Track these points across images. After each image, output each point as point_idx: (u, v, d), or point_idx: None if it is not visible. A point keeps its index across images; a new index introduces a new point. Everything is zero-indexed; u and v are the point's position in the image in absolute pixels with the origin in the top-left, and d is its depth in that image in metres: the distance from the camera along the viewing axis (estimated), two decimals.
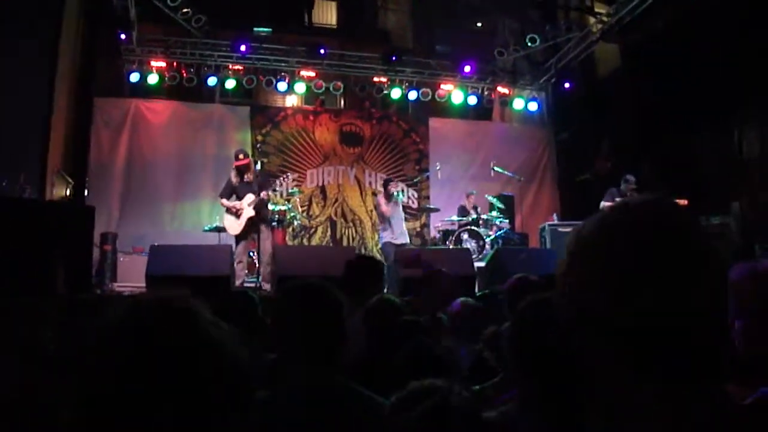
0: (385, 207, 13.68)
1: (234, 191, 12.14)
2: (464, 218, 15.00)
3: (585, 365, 1.37)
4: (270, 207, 12.95)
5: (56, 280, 6.60)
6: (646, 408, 1.28)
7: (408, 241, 14.17)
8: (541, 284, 4.96)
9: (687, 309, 1.25)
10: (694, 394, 1.26)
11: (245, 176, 12.07)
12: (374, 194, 16.77)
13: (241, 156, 12.28)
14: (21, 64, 10.44)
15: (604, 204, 13.25)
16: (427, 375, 2.03)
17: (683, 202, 11.87)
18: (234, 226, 12.02)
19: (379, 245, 14.57)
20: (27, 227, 7.71)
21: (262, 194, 12.00)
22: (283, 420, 2.56)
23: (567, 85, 17.40)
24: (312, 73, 16.90)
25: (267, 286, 11.20)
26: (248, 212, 11.90)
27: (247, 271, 12.80)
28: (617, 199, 12.87)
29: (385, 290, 14.06)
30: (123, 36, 14.96)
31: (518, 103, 18.30)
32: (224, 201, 12.07)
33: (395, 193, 13.86)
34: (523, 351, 2.42)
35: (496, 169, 16.12)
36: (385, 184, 14.11)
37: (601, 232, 1.35)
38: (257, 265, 12.27)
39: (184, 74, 16.15)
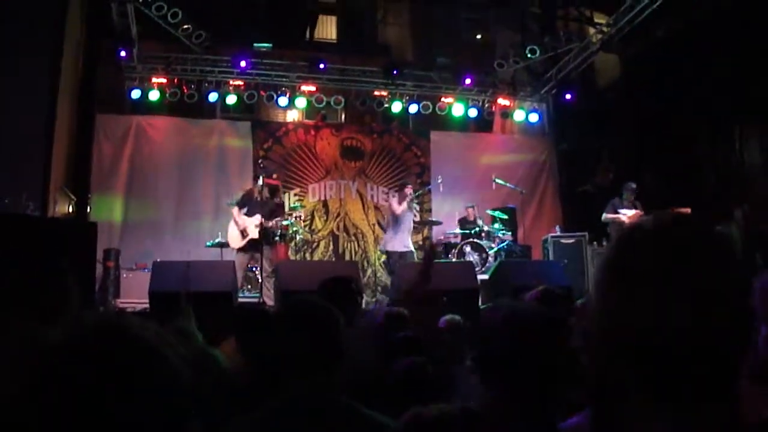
0: (397, 206, 13.74)
1: (245, 205, 12.22)
2: (466, 231, 15.01)
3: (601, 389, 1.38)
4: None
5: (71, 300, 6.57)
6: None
7: (412, 250, 14.14)
8: (564, 296, 4.96)
9: (713, 328, 1.24)
10: (711, 417, 1.25)
11: (274, 197, 12.24)
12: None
13: (275, 176, 12.42)
14: (23, 81, 10.48)
15: (606, 215, 13.30)
16: (422, 396, 2.03)
17: (686, 210, 11.90)
18: (236, 239, 12.11)
19: (379, 249, 14.59)
20: (30, 244, 7.70)
21: (273, 222, 12.11)
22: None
23: (568, 96, 17.40)
24: (313, 88, 16.90)
25: (270, 302, 11.21)
26: (253, 233, 11.99)
27: (249, 286, 12.83)
28: (619, 210, 13.00)
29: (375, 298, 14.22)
30: (123, 53, 14.96)
31: (519, 115, 18.29)
32: (236, 212, 12.18)
33: (410, 196, 13.88)
34: (489, 360, 2.42)
35: (497, 181, 16.14)
36: (401, 186, 14.19)
37: (626, 256, 1.35)
38: (259, 281, 12.28)
39: (185, 90, 16.13)
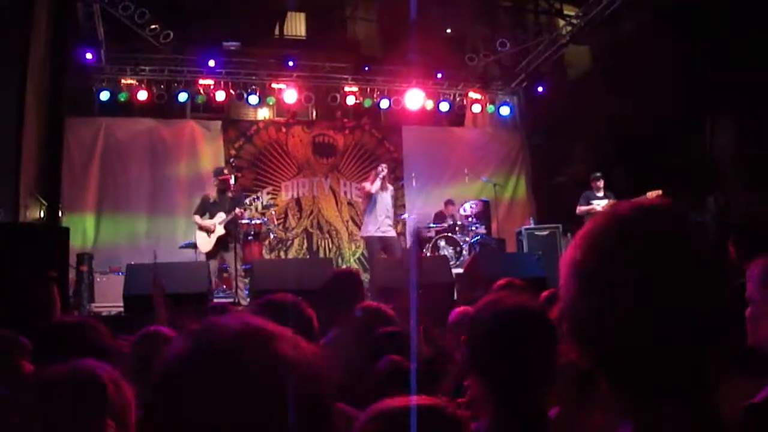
0: (369, 187, 13.41)
1: (206, 210, 12.19)
2: (440, 225, 15.03)
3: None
4: (245, 221, 12.96)
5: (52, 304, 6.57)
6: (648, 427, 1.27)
7: (394, 233, 13.92)
8: (525, 288, 4.97)
9: (694, 327, 1.24)
10: (683, 414, 1.24)
11: (226, 193, 12.19)
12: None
13: (226, 171, 12.39)
14: None
15: (579, 209, 13.38)
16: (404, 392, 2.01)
17: (657, 193, 12.01)
18: (205, 244, 12.11)
19: (360, 235, 14.40)
20: (2, 250, 7.65)
21: (236, 212, 12.06)
22: None
23: (540, 89, 17.45)
24: (283, 85, 16.86)
25: (244, 302, 11.19)
26: (218, 231, 11.96)
27: (225, 286, 12.79)
28: (591, 202, 13.06)
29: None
30: (91, 55, 14.85)
31: (490, 108, 18.33)
32: (198, 219, 12.14)
33: (383, 173, 13.47)
34: (488, 364, 2.42)
35: (471, 175, 16.19)
36: (399, 166, 14.05)
37: (597, 253, 1.32)
38: (233, 282, 12.25)
39: (155, 91, 16.04)
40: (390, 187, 13.83)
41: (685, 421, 1.23)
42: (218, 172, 12.67)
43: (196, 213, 12.35)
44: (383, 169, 13.61)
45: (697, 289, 1.25)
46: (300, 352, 1.25)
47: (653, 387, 1.25)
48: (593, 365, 1.33)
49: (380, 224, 13.40)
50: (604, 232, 1.33)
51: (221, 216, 11.99)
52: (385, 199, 13.60)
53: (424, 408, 1.84)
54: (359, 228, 16.64)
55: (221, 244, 12.03)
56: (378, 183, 13.36)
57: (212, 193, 12.38)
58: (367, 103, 17.34)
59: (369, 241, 13.64)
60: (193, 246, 12.93)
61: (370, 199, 13.49)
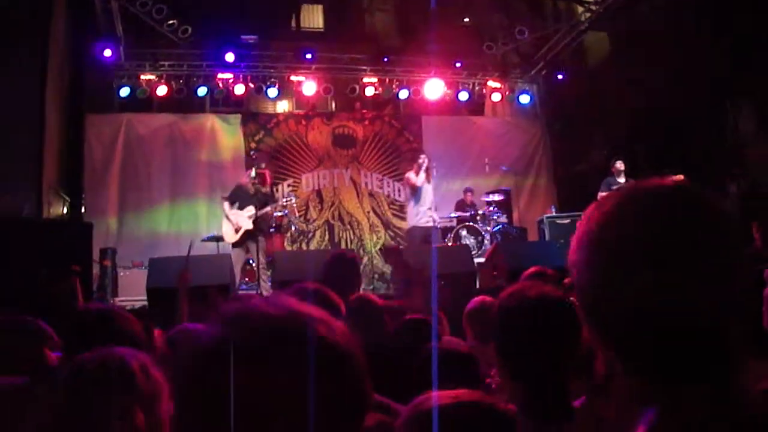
0: (414, 178, 13.53)
1: (237, 199, 12.18)
2: (462, 214, 15.01)
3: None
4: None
5: (74, 296, 6.65)
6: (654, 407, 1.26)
7: (436, 221, 13.97)
8: (556, 277, 4.95)
9: (717, 307, 1.21)
10: (703, 395, 1.22)
11: (262, 187, 12.23)
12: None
13: (263, 165, 12.41)
14: (11, 84, 10.43)
15: (601, 195, 13.29)
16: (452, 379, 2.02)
17: (679, 177, 11.92)
18: (230, 233, 12.07)
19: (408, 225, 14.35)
20: (28, 246, 7.72)
21: (268, 209, 12.09)
22: None
23: (560, 76, 17.39)
24: (302, 78, 16.88)
25: (267, 294, 11.20)
26: (246, 225, 11.94)
27: (247, 279, 12.80)
28: (613, 188, 12.98)
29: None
30: (109, 52, 14.90)
31: (510, 97, 18.29)
32: (227, 206, 12.13)
33: (425, 163, 13.58)
34: (514, 353, 2.43)
35: (491, 164, 16.18)
36: (414, 157, 14.05)
37: (619, 224, 1.28)
38: (256, 273, 12.25)
39: (174, 86, 16.11)
40: (433, 178, 13.91)
41: (710, 402, 1.21)
42: (258, 164, 12.67)
43: (226, 200, 12.32)
44: (424, 159, 13.67)
45: (717, 265, 1.21)
46: (334, 333, 1.26)
47: (674, 368, 1.23)
48: (610, 348, 1.31)
49: (423, 215, 13.53)
50: (623, 207, 1.30)
51: (250, 210, 11.97)
52: (429, 191, 13.71)
53: (474, 404, 1.84)
54: (380, 219, 16.67)
55: (248, 236, 12.03)
56: (423, 175, 13.49)
57: (249, 185, 12.35)
58: (386, 93, 17.32)
59: (411, 231, 13.77)
60: (216, 239, 12.96)
61: (414, 190, 13.57)
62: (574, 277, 1.37)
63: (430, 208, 13.64)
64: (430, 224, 13.64)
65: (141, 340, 3.02)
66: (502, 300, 2.55)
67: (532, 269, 5.60)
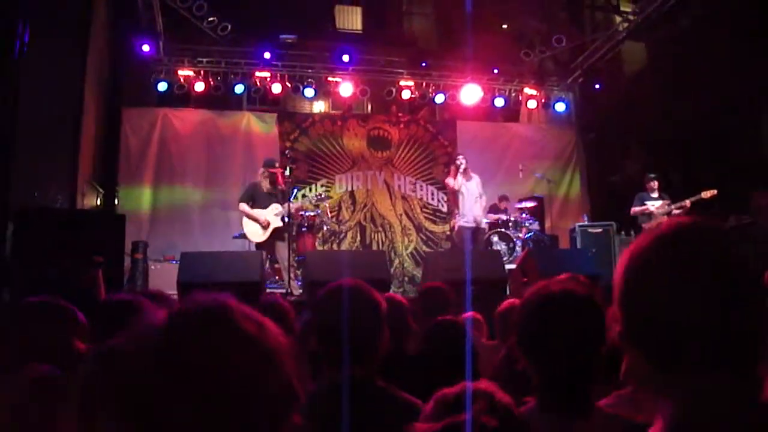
0: (453, 183, 13.74)
1: (254, 198, 12.18)
2: (494, 216, 14.99)
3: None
4: (300, 213, 12.96)
5: (96, 287, 6.70)
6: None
7: (482, 224, 14.17)
8: (588, 284, 4.93)
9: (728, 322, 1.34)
10: (721, 387, 1.31)
11: (276, 185, 12.18)
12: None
13: (277, 164, 12.39)
14: (50, 76, 10.52)
15: (634, 209, 13.25)
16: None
17: (712, 192, 11.88)
18: (258, 233, 12.05)
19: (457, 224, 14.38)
20: (61, 236, 7.79)
21: (293, 206, 12.10)
22: (321, 417, 2.57)
23: (597, 86, 17.34)
24: (339, 79, 16.93)
25: (296, 293, 11.22)
26: (276, 222, 11.94)
27: (277, 277, 12.82)
28: (645, 203, 12.92)
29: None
30: (147, 47, 15.02)
31: (546, 105, 18.25)
32: (245, 207, 12.10)
33: (462, 165, 13.71)
34: (532, 344, 2.43)
35: (525, 171, 16.16)
36: (449, 162, 14.12)
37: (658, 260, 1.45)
38: (286, 272, 12.25)
39: (212, 82, 16.20)
40: (474, 176, 14.01)
41: (728, 396, 1.30)
42: (269, 164, 12.60)
43: (242, 201, 12.29)
44: (462, 161, 13.79)
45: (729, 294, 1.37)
46: (264, 332, 1.28)
47: (694, 362, 1.33)
48: (632, 343, 1.45)
49: (468, 215, 13.70)
50: (648, 246, 1.49)
51: (277, 207, 11.97)
52: (471, 189, 13.81)
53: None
54: (412, 222, 16.70)
55: (276, 234, 12.02)
56: (460, 177, 13.63)
57: (264, 183, 12.34)
58: (423, 97, 17.37)
59: (460, 231, 13.97)
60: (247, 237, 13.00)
61: (456, 193, 13.78)
62: (621, 287, 1.51)
63: (477, 205, 13.90)
64: (481, 224, 13.89)
65: None
66: (524, 295, 2.56)
67: (562, 276, 5.58)
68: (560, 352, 2.33)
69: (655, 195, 13.26)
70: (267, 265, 12.08)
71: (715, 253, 1.41)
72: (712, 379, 1.31)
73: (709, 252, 1.41)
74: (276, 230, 11.97)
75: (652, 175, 13.46)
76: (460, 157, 13.90)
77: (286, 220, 12.05)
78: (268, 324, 1.32)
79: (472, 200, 13.66)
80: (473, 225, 13.62)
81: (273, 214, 11.95)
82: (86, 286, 6.60)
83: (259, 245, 12.08)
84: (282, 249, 12.05)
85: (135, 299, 3.46)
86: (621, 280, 1.49)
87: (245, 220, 12.17)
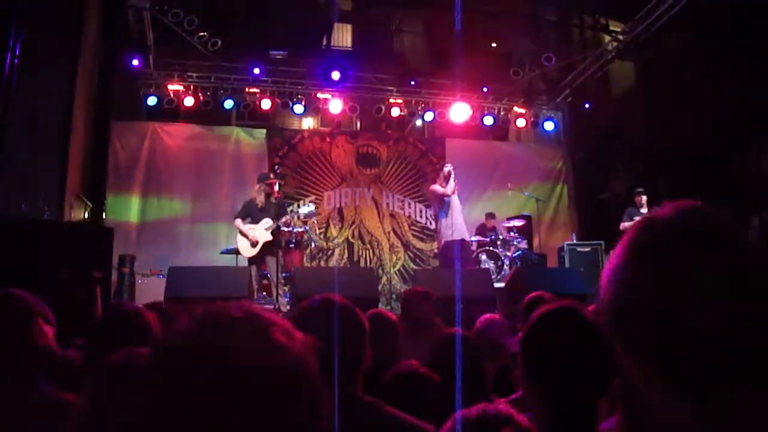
0: (443, 189, 13.17)
1: (248, 214, 12.21)
2: (482, 238, 14.98)
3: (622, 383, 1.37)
4: (287, 229, 12.92)
5: (92, 303, 6.62)
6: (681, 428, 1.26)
7: (467, 237, 13.62)
8: (554, 301, 4.94)
9: (738, 324, 1.20)
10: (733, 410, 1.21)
11: (271, 198, 12.22)
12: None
13: (272, 176, 12.43)
14: (40, 88, 10.49)
15: (623, 224, 13.27)
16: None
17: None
18: (248, 249, 12.06)
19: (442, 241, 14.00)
20: (48, 249, 7.73)
21: (284, 219, 12.10)
22: None
23: (587, 105, 17.41)
24: (328, 96, 16.95)
25: (284, 309, 11.21)
26: (265, 237, 11.95)
27: (264, 293, 12.79)
28: (635, 218, 12.93)
29: None
30: (137, 62, 15.04)
31: (534, 123, 18.30)
32: (239, 223, 12.13)
33: (453, 173, 13.28)
34: (531, 361, 2.41)
35: (513, 189, 16.19)
36: (443, 168, 13.71)
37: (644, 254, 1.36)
38: (273, 288, 12.23)
39: (201, 97, 16.23)
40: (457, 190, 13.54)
41: (738, 416, 1.20)
42: (264, 177, 12.67)
43: (237, 217, 12.33)
44: (450, 169, 13.39)
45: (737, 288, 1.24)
46: (293, 341, 1.26)
47: (699, 383, 1.22)
48: (633, 359, 1.32)
49: (456, 227, 13.14)
50: (643, 233, 1.39)
51: (267, 222, 11.98)
52: (457, 202, 13.41)
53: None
54: (400, 240, 16.67)
55: (266, 249, 12.02)
56: (452, 183, 13.19)
57: (259, 198, 12.35)
58: (412, 114, 17.41)
59: (447, 245, 13.12)
60: (235, 252, 12.95)
61: (442, 203, 13.22)
62: (610, 298, 1.37)
63: (461, 227, 13.30)
64: (466, 237, 13.39)
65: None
66: (534, 317, 2.54)
67: (532, 294, 5.57)
68: (565, 369, 2.30)
69: (644, 210, 13.31)
70: (255, 280, 12.08)
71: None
72: (731, 392, 1.19)
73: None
74: (266, 245, 11.97)
75: (640, 190, 13.54)
76: (449, 165, 13.61)
77: (282, 228, 12.10)
78: (298, 334, 1.30)
79: (458, 212, 13.38)
80: (459, 238, 13.28)
81: (263, 229, 11.95)
82: (81, 300, 6.53)
83: (251, 260, 12.09)
84: (272, 264, 12.05)
85: (140, 311, 3.40)
86: (619, 284, 1.37)
87: (238, 235, 12.20)
